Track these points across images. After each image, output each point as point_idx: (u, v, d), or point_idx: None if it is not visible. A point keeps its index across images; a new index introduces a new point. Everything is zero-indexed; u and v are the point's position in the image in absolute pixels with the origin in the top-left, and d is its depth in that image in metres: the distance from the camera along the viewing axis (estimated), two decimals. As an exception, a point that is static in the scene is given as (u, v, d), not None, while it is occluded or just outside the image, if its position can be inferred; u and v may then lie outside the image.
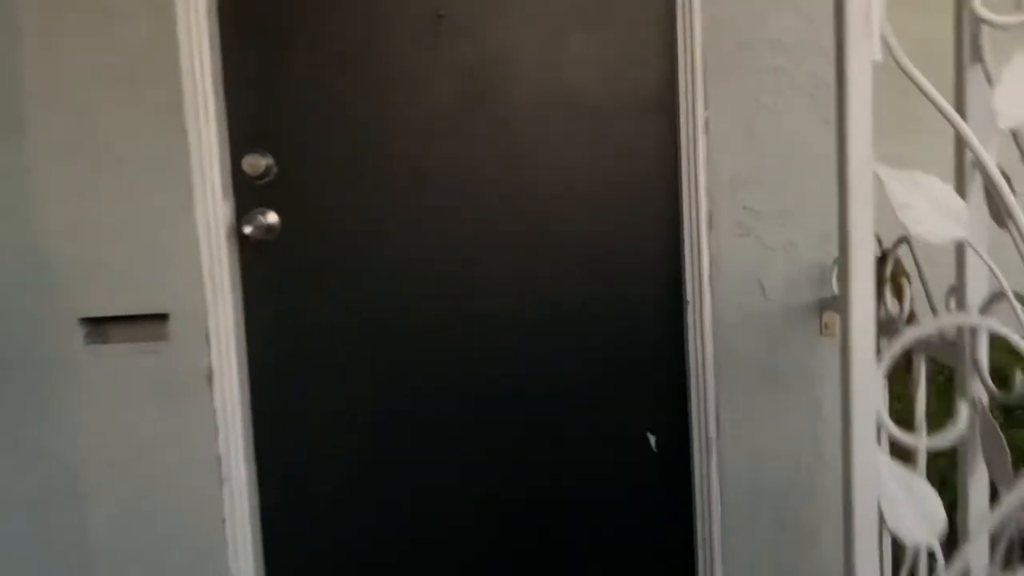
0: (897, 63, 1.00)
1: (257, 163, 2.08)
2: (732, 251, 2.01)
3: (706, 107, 1.98)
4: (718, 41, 1.96)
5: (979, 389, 1.20)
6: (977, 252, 1.06)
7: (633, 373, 2.13)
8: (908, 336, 1.01)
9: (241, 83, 2.07)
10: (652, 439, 2.14)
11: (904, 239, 1.57)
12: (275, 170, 2.09)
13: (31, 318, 1.97)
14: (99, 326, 2.04)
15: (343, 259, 2.13)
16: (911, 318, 1.53)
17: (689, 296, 2.06)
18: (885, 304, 1.56)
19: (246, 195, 2.09)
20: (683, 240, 2.05)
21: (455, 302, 2.12)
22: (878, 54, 0.99)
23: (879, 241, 1.67)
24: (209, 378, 2.04)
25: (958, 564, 1.06)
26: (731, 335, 2.04)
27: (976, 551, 1.11)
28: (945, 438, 1.05)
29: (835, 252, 1.84)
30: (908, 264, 1.65)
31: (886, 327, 1.58)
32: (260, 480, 2.13)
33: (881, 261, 1.64)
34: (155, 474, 2.05)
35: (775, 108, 1.96)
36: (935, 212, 1.00)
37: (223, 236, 2.05)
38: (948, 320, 1.09)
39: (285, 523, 2.15)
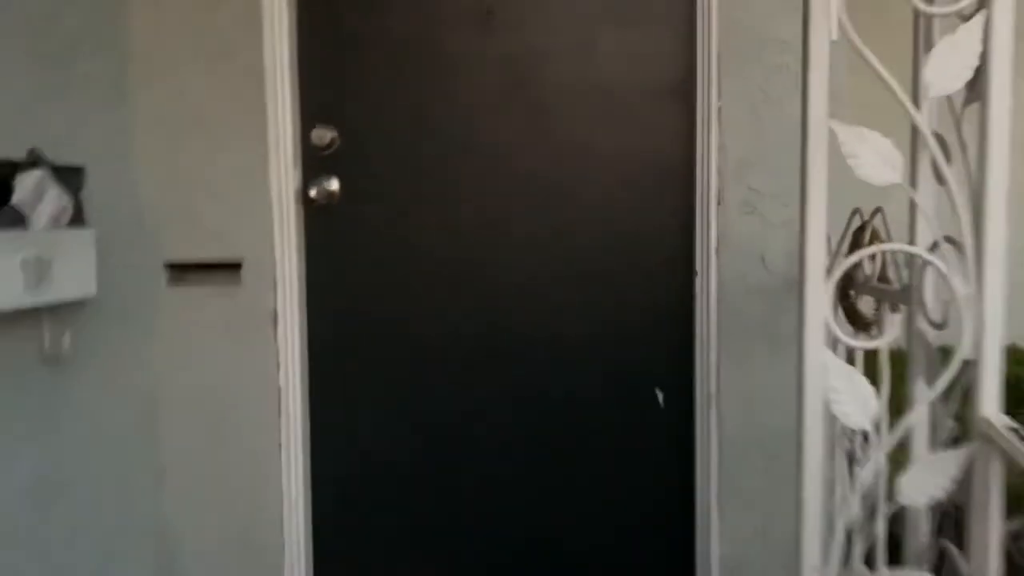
0: (850, 43, 1.26)
1: (323, 136, 2.38)
2: (738, 227, 2.27)
3: (719, 98, 2.25)
4: (732, 39, 2.23)
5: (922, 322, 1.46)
6: (912, 196, 1.32)
7: (645, 336, 2.40)
8: (853, 258, 1.28)
9: (313, 65, 2.37)
10: (660, 395, 2.39)
11: (879, 210, 1.82)
12: (339, 143, 2.39)
13: (124, 261, 2.25)
14: (181, 271, 2.34)
15: (394, 223, 2.42)
16: (883, 276, 1.78)
17: (698, 267, 2.32)
18: (863, 265, 1.81)
19: (312, 164, 2.39)
20: (695, 216, 2.31)
21: (492, 261, 2.40)
22: (835, 34, 1.25)
23: (860, 214, 1.92)
24: (274, 320, 2.33)
25: (899, 431, 1.32)
26: (734, 303, 2.30)
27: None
28: (884, 340, 1.31)
29: (830, 231, 2.10)
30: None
31: (863, 284, 1.84)
32: (312, 411, 2.41)
33: (860, 229, 1.90)
34: (224, 402, 2.34)
35: (779, 100, 2.22)
36: (876, 160, 1.26)
37: (291, 198, 2.34)
38: (887, 247, 1.35)
39: (333, 451, 2.43)
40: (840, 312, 1.88)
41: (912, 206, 1.45)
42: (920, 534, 1.49)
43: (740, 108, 2.25)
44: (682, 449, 2.38)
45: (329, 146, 2.38)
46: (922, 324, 1.46)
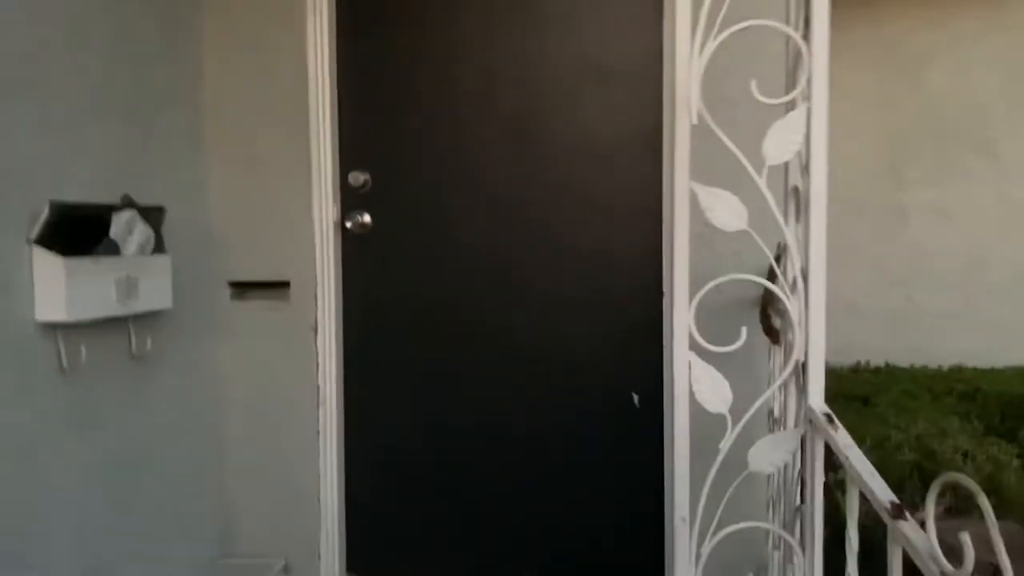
0: (709, 124, 1.70)
1: (358, 178, 2.89)
2: (695, 257, 2.68)
3: (681, 148, 2.68)
4: (688, 101, 2.66)
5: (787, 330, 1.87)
6: (755, 237, 1.75)
7: (624, 347, 2.83)
8: (712, 283, 1.71)
9: (350, 121, 2.89)
10: (636, 397, 2.82)
11: (786, 246, 2.23)
12: (370, 183, 2.89)
13: (194, 280, 2.78)
14: (242, 288, 2.88)
15: (418, 251, 2.92)
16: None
17: (665, 289, 2.75)
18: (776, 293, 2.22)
19: (349, 200, 2.90)
20: (662, 247, 2.74)
21: (499, 288, 2.88)
22: (695, 119, 1.70)
23: (780, 246, 2.33)
24: (315, 330, 2.84)
25: (748, 415, 1.74)
26: (694, 320, 2.71)
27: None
28: (735, 345, 1.74)
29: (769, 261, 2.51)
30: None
31: (775, 305, 2.25)
32: (346, 405, 2.92)
33: (777, 260, 2.31)
34: (274, 396, 2.87)
35: (730, 150, 2.64)
36: (727, 211, 1.70)
37: (331, 229, 2.86)
38: (736, 276, 1.78)
39: (362, 437, 2.93)
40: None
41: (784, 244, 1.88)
42: (791, 497, 1.90)
43: (699, 157, 2.67)
44: (654, 440, 2.80)
45: (363, 186, 2.89)
46: (789, 335, 1.88)
